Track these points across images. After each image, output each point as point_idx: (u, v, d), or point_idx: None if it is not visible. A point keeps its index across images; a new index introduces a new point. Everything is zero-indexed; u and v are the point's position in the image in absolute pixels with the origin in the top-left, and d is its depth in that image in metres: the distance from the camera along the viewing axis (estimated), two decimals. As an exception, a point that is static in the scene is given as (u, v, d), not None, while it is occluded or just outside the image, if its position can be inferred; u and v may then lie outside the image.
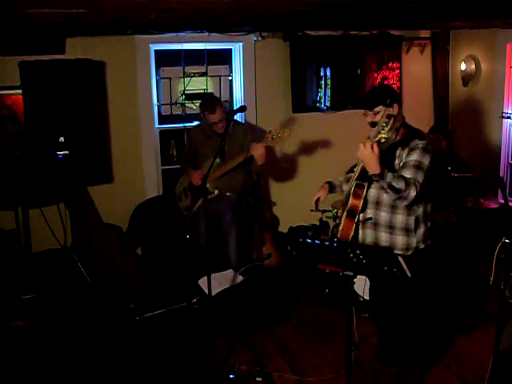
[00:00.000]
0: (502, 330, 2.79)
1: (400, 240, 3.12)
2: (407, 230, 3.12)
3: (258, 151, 4.12)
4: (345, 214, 3.15)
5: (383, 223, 3.14)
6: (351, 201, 3.10)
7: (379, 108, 3.08)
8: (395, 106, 3.10)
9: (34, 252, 4.80)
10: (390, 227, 3.13)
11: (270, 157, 4.42)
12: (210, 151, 4.20)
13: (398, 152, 3.11)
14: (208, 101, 4.38)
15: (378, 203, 3.14)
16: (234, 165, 4.32)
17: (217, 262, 4.56)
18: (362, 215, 3.14)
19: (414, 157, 3.02)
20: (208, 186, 4.36)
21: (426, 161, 3.02)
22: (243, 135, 4.45)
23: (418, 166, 3.00)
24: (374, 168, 2.86)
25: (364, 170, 2.99)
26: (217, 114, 4.24)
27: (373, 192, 3.14)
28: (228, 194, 4.48)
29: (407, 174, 2.98)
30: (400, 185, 2.89)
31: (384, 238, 3.15)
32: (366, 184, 3.09)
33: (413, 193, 2.91)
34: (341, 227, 3.15)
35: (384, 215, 3.13)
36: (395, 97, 3.17)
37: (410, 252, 3.14)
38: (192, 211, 4.39)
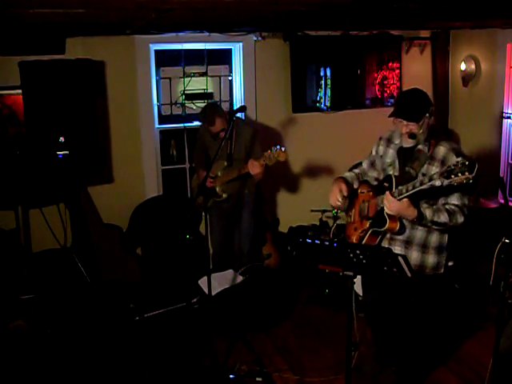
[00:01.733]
0: (502, 330, 2.79)
1: (431, 259, 3.05)
2: (440, 249, 3.05)
3: (254, 170, 4.13)
4: (370, 231, 3.05)
5: (417, 242, 3.03)
6: (388, 224, 2.92)
7: (423, 119, 2.87)
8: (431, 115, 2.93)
9: (34, 252, 4.80)
10: (424, 246, 3.03)
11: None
12: (214, 153, 4.22)
13: (434, 170, 2.88)
14: (207, 112, 4.36)
15: (413, 221, 2.93)
16: (235, 176, 4.34)
17: (225, 258, 4.60)
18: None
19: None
20: (217, 189, 4.46)
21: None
22: (249, 138, 4.40)
23: (463, 190, 2.86)
24: (410, 215, 2.80)
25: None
26: (216, 125, 4.26)
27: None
28: (246, 191, 4.54)
29: (454, 200, 2.88)
30: (443, 218, 2.82)
31: (415, 256, 3.03)
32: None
33: (460, 219, 2.85)
34: (364, 242, 3.05)
35: (419, 234, 3.02)
36: (431, 105, 2.95)
37: (442, 270, 3.08)
38: (199, 209, 4.53)
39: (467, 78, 5.70)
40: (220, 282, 4.11)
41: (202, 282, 3.98)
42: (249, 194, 4.59)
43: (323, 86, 5.61)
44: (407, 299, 3.18)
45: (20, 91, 4.29)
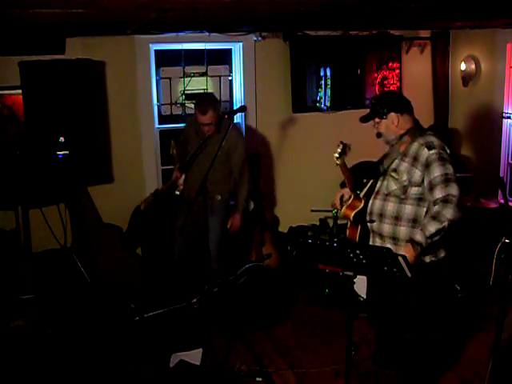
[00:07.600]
0: (502, 331, 2.79)
1: (403, 231, 3.06)
2: (414, 221, 3.05)
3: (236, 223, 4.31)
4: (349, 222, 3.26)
5: (386, 235, 3.10)
6: (344, 210, 3.24)
7: (377, 120, 3.10)
8: (391, 115, 3.04)
9: (34, 252, 4.80)
10: (394, 238, 3.08)
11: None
12: (192, 149, 4.24)
13: (404, 166, 3.03)
14: (203, 99, 4.23)
15: (381, 215, 3.10)
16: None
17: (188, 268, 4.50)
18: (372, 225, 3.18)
19: (437, 172, 2.89)
20: (180, 181, 4.41)
21: (450, 168, 2.91)
22: (234, 143, 4.20)
23: (446, 180, 2.87)
24: (414, 250, 2.88)
25: (370, 186, 3.19)
26: (207, 116, 4.03)
27: (377, 204, 3.13)
28: (219, 197, 4.30)
29: (437, 194, 2.87)
30: (433, 227, 2.85)
31: (404, 232, 3.06)
32: (365, 199, 3.21)
33: (450, 211, 2.84)
34: (347, 233, 3.27)
35: (387, 227, 3.08)
36: (393, 106, 3.05)
37: (434, 257, 3.07)
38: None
39: (467, 78, 5.70)
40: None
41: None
42: (221, 200, 4.32)
43: (323, 86, 5.61)
44: (406, 301, 3.18)
45: (20, 91, 4.29)
